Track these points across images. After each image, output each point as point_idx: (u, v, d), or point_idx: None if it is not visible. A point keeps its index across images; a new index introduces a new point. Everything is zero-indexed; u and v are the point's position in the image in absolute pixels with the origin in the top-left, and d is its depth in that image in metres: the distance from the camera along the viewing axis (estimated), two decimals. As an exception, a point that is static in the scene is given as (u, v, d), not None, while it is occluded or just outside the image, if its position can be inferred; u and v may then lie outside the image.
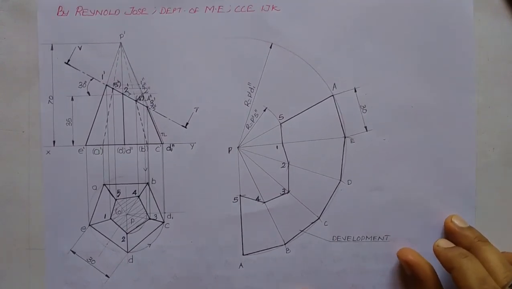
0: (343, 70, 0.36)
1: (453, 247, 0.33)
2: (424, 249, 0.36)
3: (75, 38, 0.36)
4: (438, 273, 0.34)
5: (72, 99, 0.36)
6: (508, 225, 0.36)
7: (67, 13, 0.36)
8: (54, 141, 0.36)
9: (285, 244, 0.36)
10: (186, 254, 0.36)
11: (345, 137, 0.36)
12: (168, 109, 0.36)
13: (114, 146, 0.36)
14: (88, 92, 0.36)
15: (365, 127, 0.36)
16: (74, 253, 0.36)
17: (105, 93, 0.36)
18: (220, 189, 0.36)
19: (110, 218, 0.37)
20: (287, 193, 0.36)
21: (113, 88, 0.36)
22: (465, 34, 0.36)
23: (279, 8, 0.36)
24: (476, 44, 0.36)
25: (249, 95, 0.36)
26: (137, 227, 0.37)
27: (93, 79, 0.36)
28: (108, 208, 0.36)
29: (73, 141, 0.36)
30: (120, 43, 0.36)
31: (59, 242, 0.36)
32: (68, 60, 0.36)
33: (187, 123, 0.36)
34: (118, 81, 0.36)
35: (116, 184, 0.36)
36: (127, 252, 0.37)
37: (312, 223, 0.36)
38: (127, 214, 0.37)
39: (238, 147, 0.36)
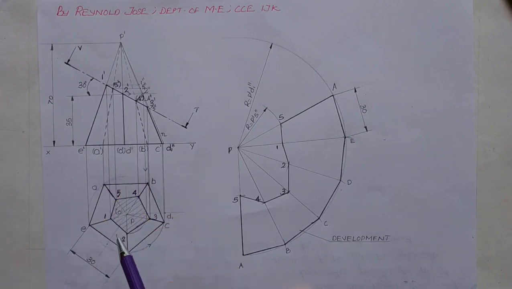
0: (343, 70, 0.36)
1: None
2: (424, 249, 0.36)
3: (75, 38, 0.36)
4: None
5: (72, 99, 0.36)
6: (508, 225, 0.36)
7: (67, 13, 0.36)
8: (54, 141, 0.36)
9: (285, 244, 0.36)
10: (186, 254, 0.36)
11: (345, 137, 0.36)
12: (168, 109, 0.36)
13: (114, 146, 0.36)
14: (88, 92, 0.36)
15: (365, 127, 0.36)
16: (74, 253, 0.36)
17: (105, 93, 0.36)
18: (220, 189, 0.36)
19: (110, 218, 0.37)
20: (287, 193, 0.36)
21: (113, 88, 0.36)
22: (465, 34, 0.36)
23: (279, 8, 0.36)
24: (476, 44, 0.36)
25: (249, 95, 0.36)
26: (137, 227, 0.37)
27: (93, 79, 0.36)
28: (108, 208, 0.36)
29: (73, 141, 0.36)
30: (120, 43, 0.36)
31: (59, 242, 0.36)
32: (68, 60, 0.36)
33: (187, 123, 0.36)
34: (118, 81, 0.36)
35: (116, 184, 0.36)
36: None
37: (312, 223, 0.36)
38: (127, 214, 0.37)
39: (238, 147, 0.36)
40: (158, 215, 0.36)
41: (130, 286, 0.33)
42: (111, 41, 0.36)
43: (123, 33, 0.36)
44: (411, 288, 0.36)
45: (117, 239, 0.35)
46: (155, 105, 0.36)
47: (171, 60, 0.36)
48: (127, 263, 0.34)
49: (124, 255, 0.34)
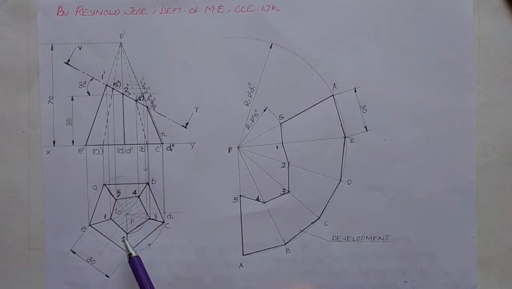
0: (343, 70, 0.36)
1: None
2: (424, 249, 0.36)
3: (75, 38, 0.36)
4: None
5: (72, 99, 0.36)
6: (508, 225, 0.36)
7: (67, 13, 0.36)
8: (54, 141, 0.36)
9: (285, 244, 0.36)
10: (186, 254, 0.36)
11: (345, 137, 0.36)
12: (168, 109, 0.36)
13: (114, 146, 0.36)
14: (88, 92, 0.36)
15: (365, 127, 0.36)
16: (74, 253, 0.36)
17: (105, 93, 0.36)
18: (220, 189, 0.36)
19: (110, 218, 0.37)
20: (287, 193, 0.36)
21: (113, 88, 0.36)
22: (465, 34, 0.36)
23: (279, 8, 0.36)
24: (476, 44, 0.36)
25: (249, 95, 0.36)
26: (137, 227, 0.37)
27: (93, 79, 0.36)
28: (108, 208, 0.36)
29: (73, 141, 0.36)
30: (120, 43, 0.36)
31: (59, 242, 0.36)
32: (68, 60, 0.36)
33: (187, 123, 0.36)
34: (118, 81, 0.36)
35: (116, 184, 0.36)
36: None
37: (312, 223, 0.36)
38: (127, 214, 0.37)
39: (238, 147, 0.36)
40: (158, 215, 0.36)
41: (139, 286, 0.33)
42: (111, 41, 0.36)
43: (123, 33, 0.36)
44: (411, 288, 0.36)
45: (124, 241, 0.36)
46: (155, 105, 0.36)
47: (171, 60, 0.36)
48: (135, 264, 0.34)
49: (132, 255, 0.34)
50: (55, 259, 0.36)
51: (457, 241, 0.36)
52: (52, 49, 0.36)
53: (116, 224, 0.37)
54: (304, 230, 0.36)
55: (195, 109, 0.36)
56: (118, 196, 0.37)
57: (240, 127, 0.36)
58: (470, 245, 0.36)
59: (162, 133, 0.36)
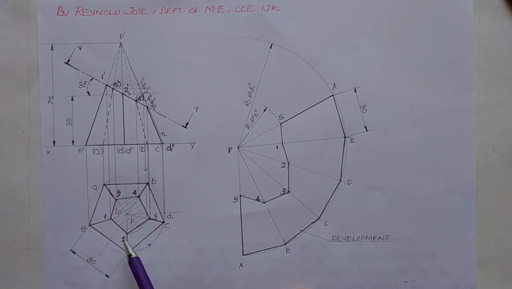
0: (343, 70, 0.36)
1: None
2: (424, 249, 0.36)
3: (75, 38, 0.36)
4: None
5: (72, 99, 0.36)
6: (508, 225, 0.36)
7: (67, 13, 0.36)
8: (54, 141, 0.36)
9: (285, 244, 0.36)
10: (186, 254, 0.36)
11: (345, 137, 0.36)
12: (168, 109, 0.36)
13: (114, 146, 0.36)
14: (88, 92, 0.36)
15: (365, 127, 0.36)
16: (74, 253, 0.36)
17: (105, 93, 0.36)
18: (220, 189, 0.36)
19: (110, 218, 0.37)
20: (287, 193, 0.36)
21: (113, 88, 0.36)
22: (465, 34, 0.36)
23: (279, 8, 0.36)
24: (476, 44, 0.36)
25: (249, 95, 0.36)
26: (137, 227, 0.37)
27: (93, 79, 0.36)
28: (108, 208, 0.36)
29: (73, 141, 0.36)
30: (120, 43, 0.36)
31: (59, 242, 0.36)
32: (68, 60, 0.36)
33: (187, 123, 0.36)
34: (118, 81, 0.36)
35: (116, 184, 0.36)
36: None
37: (312, 223, 0.36)
38: (127, 214, 0.37)
39: (238, 147, 0.36)
40: (158, 215, 0.36)
41: (139, 287, 0.34)
42: (111, 41, 0.36)
43: (123, 33, 0.36)
44: (411, 288, 0.36)
45: (124, 242, 0.36)
46: (155, 105, 0.36)
47: (171, 60, 0.36)
48: (135, 265, 0.34)
49: (132, 257, 0.34)
50: (55, 259, 0.36)
51: (457, 241, 0.36)
52: (52, 49, 0.36)
53: (116, 224, 0.37)
54: (304, 230, 0.36)
55: (195, 109, 0.36)
56: (118, 196, 0.37)
57: (240, 127, 0.36)
58: (470, 245, 0.36)
59: (162, 133, 0.36)
